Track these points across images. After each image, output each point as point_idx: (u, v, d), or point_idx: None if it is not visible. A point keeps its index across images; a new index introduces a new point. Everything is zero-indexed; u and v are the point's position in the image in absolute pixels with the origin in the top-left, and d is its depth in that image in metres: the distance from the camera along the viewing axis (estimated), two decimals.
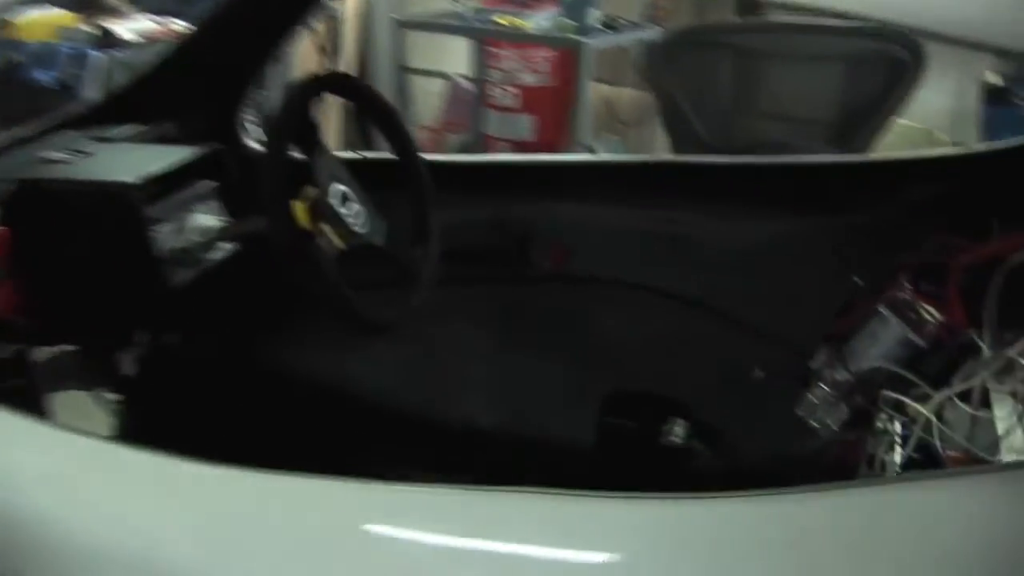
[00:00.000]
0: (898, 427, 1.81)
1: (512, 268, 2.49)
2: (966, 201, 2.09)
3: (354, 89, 2.41)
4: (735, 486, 1.85)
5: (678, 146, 3.43)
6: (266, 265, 1.95)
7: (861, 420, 2.13)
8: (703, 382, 2.33)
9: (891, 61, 3.04)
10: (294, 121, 2.02)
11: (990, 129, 4.71)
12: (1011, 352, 1.79)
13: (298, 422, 2.37)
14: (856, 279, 2.15)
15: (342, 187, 2.14)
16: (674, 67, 3.37)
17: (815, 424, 2.12)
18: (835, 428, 2.09)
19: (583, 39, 5.04)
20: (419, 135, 6.00)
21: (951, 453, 1.66)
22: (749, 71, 3.18)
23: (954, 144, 4.58)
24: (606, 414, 2.35)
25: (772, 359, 2.29)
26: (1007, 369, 1.77)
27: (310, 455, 1.42)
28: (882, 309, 2.04)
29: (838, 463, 2.19)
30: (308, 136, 2.11)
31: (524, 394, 2.42)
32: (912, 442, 1.74)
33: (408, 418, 2.50)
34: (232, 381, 2.39)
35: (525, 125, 5.76)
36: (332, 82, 2.37)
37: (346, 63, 6.16)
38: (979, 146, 2.21)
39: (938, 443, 1.66)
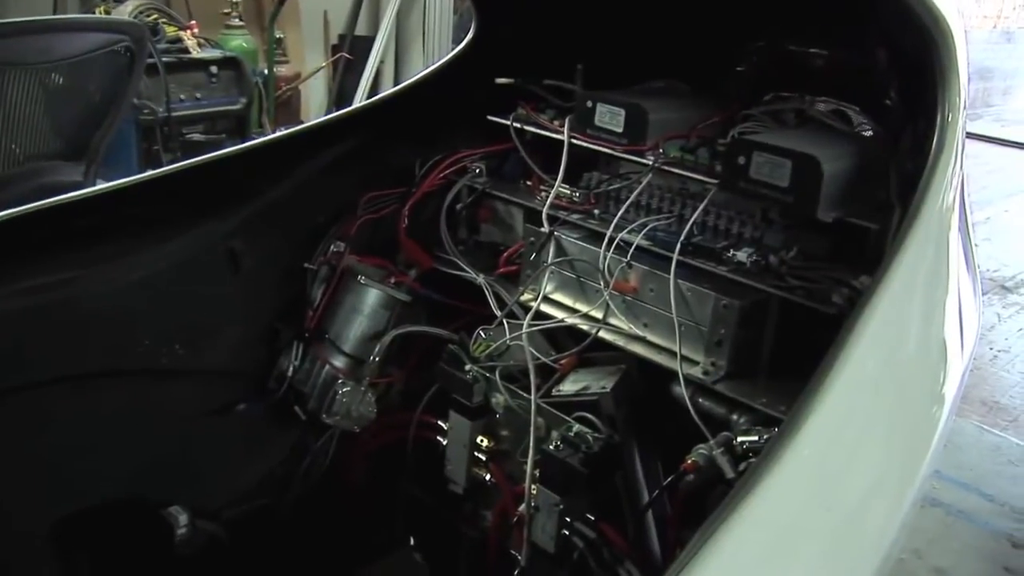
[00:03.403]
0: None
1: None
2: (375, 151, 2.08)
3: None
4: None
5: None
6: None
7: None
8: (186, 446, 1.90)
9: (117, 53, 2.69)
10: None
11: None
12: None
13: None
14: (307, 264, 1.98)
15: None
16: None
17: (351, 423, 1.94)
18: (372, 417, 1.95)
19: None
20: None
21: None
22: None
23: None
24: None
25: (238, 385, 1.99)
26: None
27: None
28: (361, 279, 1.95)
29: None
30: None
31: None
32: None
33: None
34: None
35: None
36: None
37: None
38: (375, 98, 2.15)
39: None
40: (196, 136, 4.77)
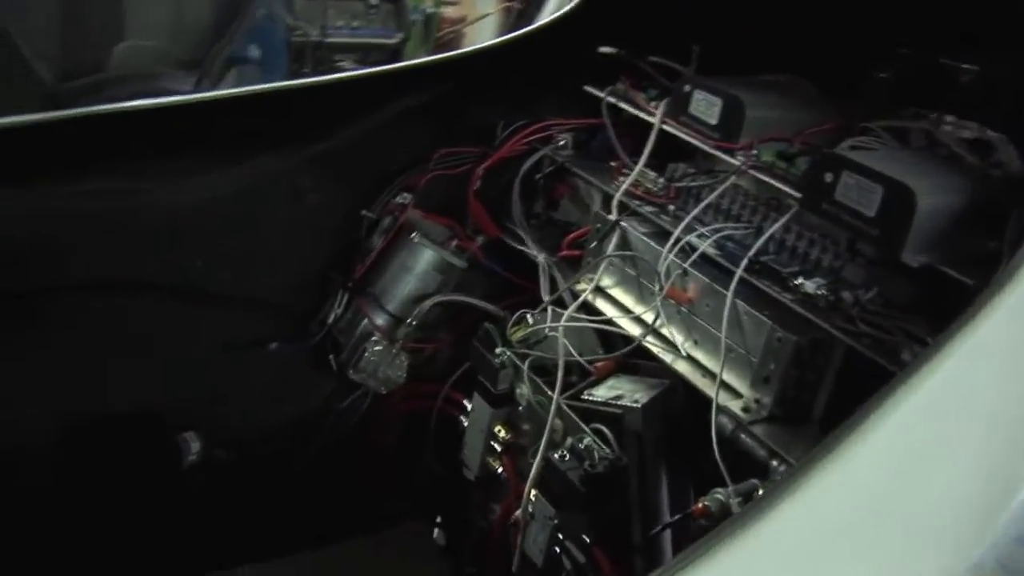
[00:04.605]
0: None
1: None
2: (457, 106, 1.97)
3: None
4: None
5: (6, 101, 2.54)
6: None
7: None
8: (215, 373, 1.86)
9: None
10: None
11: None
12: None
13: None
14: (365, 212, 1.89)
15: None
16: None
17: (378, 383, 1.85)
18: (401, 381, 1.85)
19: None
20: None
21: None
22: None
23: None
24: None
25: (279, 324, 1.92)
26: None
27: None
28: (414, 237, 1.84)
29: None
30: None
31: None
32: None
33: None
34: None
35: None
36: None
37: None
38: (464, 50, 2.05)
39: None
40: (346, 65, 4.76)
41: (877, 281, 1.36)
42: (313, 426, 1.97)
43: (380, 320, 1.86)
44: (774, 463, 1.37)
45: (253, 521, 1.88)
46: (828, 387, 1.39)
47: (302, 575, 1.95)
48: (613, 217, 1.67)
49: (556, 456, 1.46)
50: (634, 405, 1.51)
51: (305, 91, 1.89)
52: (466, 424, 1.77)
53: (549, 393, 1.56)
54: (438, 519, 2.04)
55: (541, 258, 1.80)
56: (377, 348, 1.82)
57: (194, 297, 1.85)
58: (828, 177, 1.34)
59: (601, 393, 1.59)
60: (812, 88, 1.80)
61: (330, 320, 1.89)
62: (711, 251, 1.51)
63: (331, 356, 1.90)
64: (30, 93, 2.32)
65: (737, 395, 1.44)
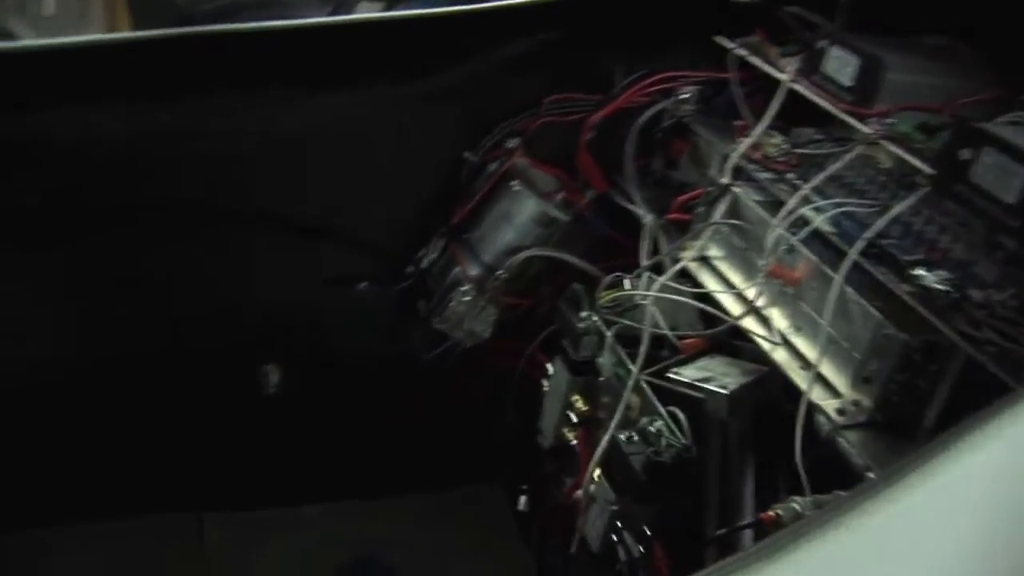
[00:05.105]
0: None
1: None
2: (574, 49, 1.85)
3: None
4: None
5: (142, 20, 2.63)
6: None
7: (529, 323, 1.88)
8: (300, 307, 1.84)
9: None
10: None
11: None
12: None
13: None
14: (467, 154, 1.80)
15: None
16: None
17: (463, 335, 1.78)
18: (486, 335, 1.77)
19: None
20: None
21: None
22: None
23: None
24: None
25: (368, 263, 1.87)
26: None
27: None
28: (514, 185, 1.74)
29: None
30: None
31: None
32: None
33: None
34: None
35: None
36: None
37: None
38: None
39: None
40: None
41: (1014, 281, 1.16)
42: (398, 371, 1.92)
43: (473, 270, 1.77)
44: (870, 475, 1.21)
45: (325, 461, 1.86)
46: (942, 398, 1.21)
47: (369, 521, 1.92)
48: (724, 181, 1.51)
49: (623, 437, 1.34)
50: (720, 391, 1.37)
51: (419, 22, 1.80)
52: (545, 389, 1.67)
53: (630, 366, 1.44)
54: (523, 486, 1.96)
55: (649, 219, 1.66)
56: (465, 299, 1.74)
57: (292, 227, 1.83)
58: (965, 154, 1.14)
59: (689, 373, 1.44)
60: (973, 54, 1.57)
61: (424, 264, 1.83)
62: (826, 228, 1.33)
63: (421, 302, 1.84)
64: (161, 11, 2.35)
65: (836, 394, 1.27)
